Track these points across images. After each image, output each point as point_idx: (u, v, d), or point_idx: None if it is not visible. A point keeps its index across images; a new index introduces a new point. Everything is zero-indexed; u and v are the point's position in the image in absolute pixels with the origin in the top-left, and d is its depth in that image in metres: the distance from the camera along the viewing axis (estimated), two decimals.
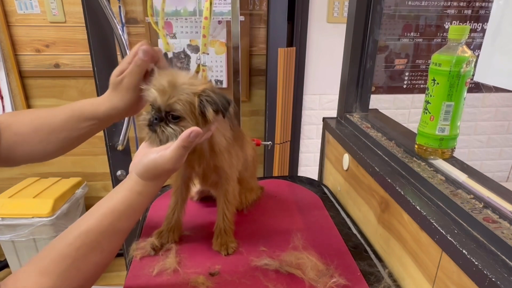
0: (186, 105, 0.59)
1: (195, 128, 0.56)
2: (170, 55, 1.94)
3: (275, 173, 1.93)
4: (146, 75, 0.65)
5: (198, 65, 1.11)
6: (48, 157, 0.69)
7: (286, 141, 1.92)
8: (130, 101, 0.65)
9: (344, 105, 1.05)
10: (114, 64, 1.41)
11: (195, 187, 0.91)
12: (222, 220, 0.76)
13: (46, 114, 0.66)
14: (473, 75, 0.64)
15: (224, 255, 0.73)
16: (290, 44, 1.94)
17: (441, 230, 0.54)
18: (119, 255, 2.39)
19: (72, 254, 0.51)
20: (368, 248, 0.79)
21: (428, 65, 0.67)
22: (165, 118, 0.61)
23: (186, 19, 1.89)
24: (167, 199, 0.81)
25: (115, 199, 0.57)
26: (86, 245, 0.52)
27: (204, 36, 1.09)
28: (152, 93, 0.60)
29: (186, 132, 0.55)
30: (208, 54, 1.09)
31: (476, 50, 1.98)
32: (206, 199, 0.95)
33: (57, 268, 0.49)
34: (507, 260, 0.47)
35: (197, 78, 0.64)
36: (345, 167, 0.97)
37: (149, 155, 0.58)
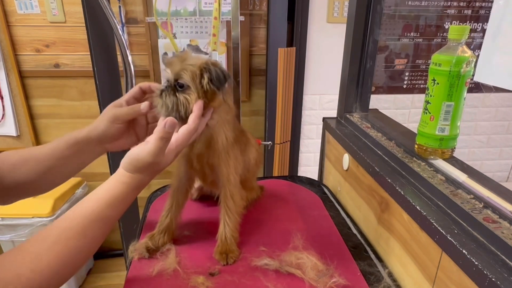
0: (190, 75, 0.64)
1: (169, 118, 0.58)
2: (170, 54, 1.94)
3: (275, 173, 1.93)
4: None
5: None
6: (38, 188, 0.71)
7: (286, 141, 1.92)
8: (115, 131, 0.70)
9: (344, 105, 1.05)
10: (114, 64, 1.42)
11: (195, 184, 0.91)
12: (224, 227, 0.75)
13: (35, 148, 0.70)
14: (473, 75, 0.64)
15: (223, 264, 0.72)
16: (290, 44, 1.94)
17: (441, 230, 0.54)
18: (119, 255, 2.38)
19: (53, 235, 0.52)
20: (368, 248, 0.79)
21: (428, 65, 0.67)
22: (173, 87, 0.65)
23: (186, 19, 1.89)
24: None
25: (101, 189, 0.58)
26: (68, 229, 0.53)
27: (214, 35, 1.11)
28: (165, 67, 0.67)
29: (162, 123, 0.57)
30: (216, 51, 1.12)
31: (476, 50, 1.98)
32: (207, 198, 0.95)
33: (34, 247, 0.50)
34: (507, 260, 0.47)
35: (207, 58, 0.69)
36: (345, 167, 0.97)
37: (133, 149, 0.60)
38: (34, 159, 0.68)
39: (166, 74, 0.67)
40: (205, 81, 0.64)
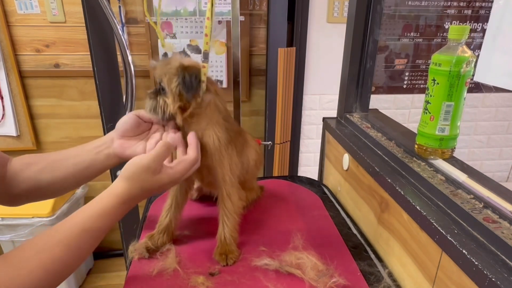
0: (167, 78, 0.66)
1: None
2: (170, 54, 1.94)
3: (275, 173, 1.93)
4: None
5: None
6: (51, 187, 0.70)
7: (286, 141, 1.92)
8: (135, 123, 0.72)
9: (344, 105, 1.05)
10: (114, 64, 1.41)
11: (195, 184, 0.91)
12: (222, 228, 0.75)
13: (53, 152, 0.72)
14: (473, 75, 0.64)
15: (223, 265, 0.71)
16: (290, 44, 1.94)
17: (441, 230, 0.54)
18: (119, 255, 2.38)
19: (38, 244, 0.51)
20: (368, 248, 0.79)
21: (428, 65, 0.67)
22: (158, 90, 0.68)
23: (186, 19, 1.89)
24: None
25: (93, 200, 0.58)
26: (53, 239, 0.53)
27: (206, 35, 1.11)
28: (154, 68, 0.69)
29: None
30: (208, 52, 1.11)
31: (476, 50, 1.98)
32: (207, 198, 0.95)
33: (17, 255, 0.50)
34: (507, 260, 0.47)
35: (192, 60, 0.70)
36: (345, 167, 0.97)
37: (134, 157, 0.62)
38: (51, 158, 0.70)
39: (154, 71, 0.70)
40: (174, 85, 0.65)
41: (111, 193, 0.59)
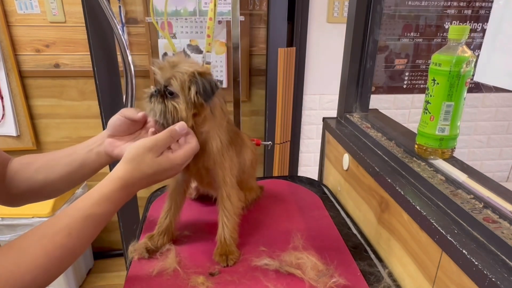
0: (180, 84, 0.63)
1: (181, 123, 0.62)
2: (170, 54, 1.94)
3: (275, 173, 1.93)
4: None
5: (202, 63, 1.13)
6: (48, 187, 0.70)
7: (286, 141, 1.92)
8: (122, 123, 0.71)
9: (344, 105, 1.05)
10: (114, 64, 1.42)
11: (192, 184, 0.91)
12: (222, 228, 0.74)
13: (50, 152, 0.72)
14: (473, 75, 0.64)
15: (223, 266, 0.71)
16: (290, 44, 1.94)
17: (441, 230, 0.54)
18: (119, 255, 2.37)
19: (41, 230, 0.52)
20: (368, 248, 0.79)
21: (428, 65, 0.67)
22: (163, 93, 0.65)
23: (186, 19, 1.89)
24: None
25: (95, 187, 0.58)
26: (55, 226, 0.53)
27: (208, 36, 1.11)
28: (154, 70, 0.66)
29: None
30: (210, 52, 1.11)
31: (476, 50, 1.98)
32: (206, 198, 0.95)
33: (21, 242, 0.50)
34: (507, 260, 0.47)
35: (198, 64, 0.68)
36: (345, 167, 0.97)
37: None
38: (46, 158, 0.70)
39: (157, 77, 0.66)
40: (192, 93, 0.63)
41: (112, 178, 0.58)
